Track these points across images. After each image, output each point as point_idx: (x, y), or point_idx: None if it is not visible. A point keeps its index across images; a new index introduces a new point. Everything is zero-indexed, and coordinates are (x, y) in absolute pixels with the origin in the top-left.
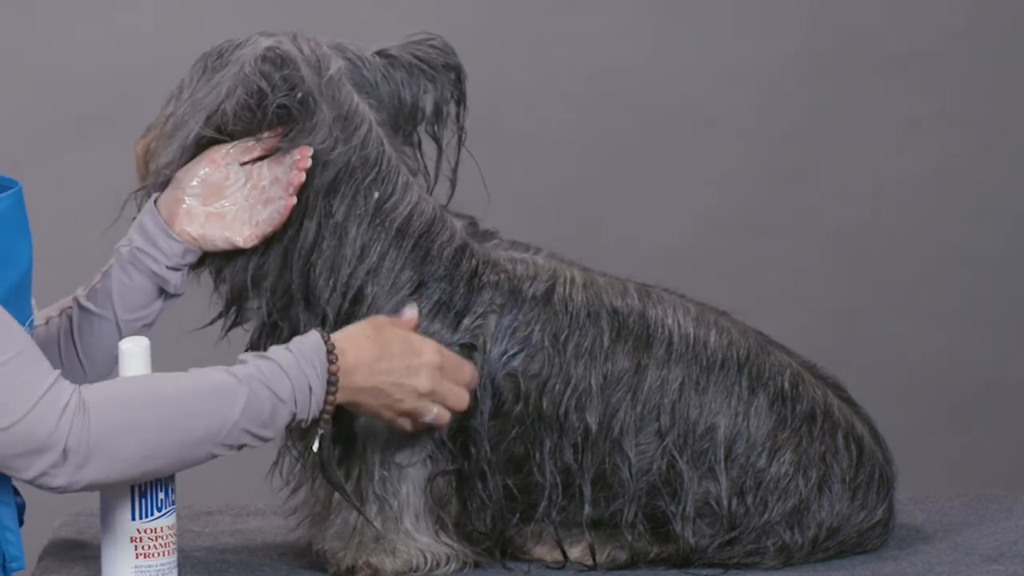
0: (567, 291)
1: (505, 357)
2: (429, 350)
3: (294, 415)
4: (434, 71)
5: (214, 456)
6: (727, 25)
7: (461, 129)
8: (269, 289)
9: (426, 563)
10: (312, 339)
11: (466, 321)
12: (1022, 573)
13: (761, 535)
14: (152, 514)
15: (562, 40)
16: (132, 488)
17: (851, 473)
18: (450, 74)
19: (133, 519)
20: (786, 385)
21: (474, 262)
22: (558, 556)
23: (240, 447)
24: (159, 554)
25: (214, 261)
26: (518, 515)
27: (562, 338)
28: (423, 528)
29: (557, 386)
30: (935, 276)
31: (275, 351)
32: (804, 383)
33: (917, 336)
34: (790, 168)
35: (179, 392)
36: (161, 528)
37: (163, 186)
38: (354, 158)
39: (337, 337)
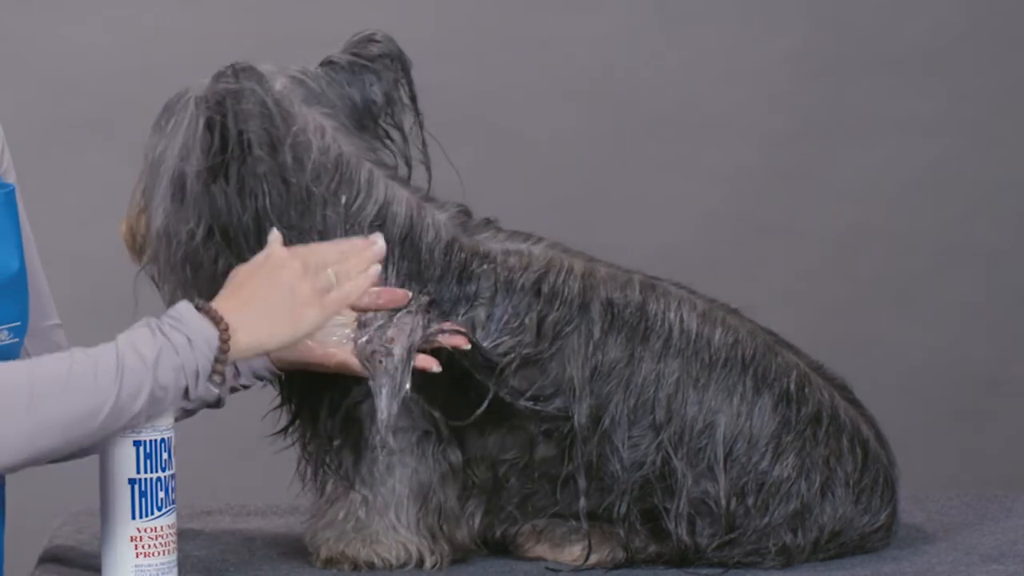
0: (560, 280)
1: (495, 348)
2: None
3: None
4: (374, 64)
5: (123, 426)
6: (727, 25)
7: (417, 112)
8: None
9: (409, 557)
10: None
11: (456, 315)
12: (1022, 573)
13: (762, 537)
14: (152, 513)
15: (562, 40)
16: (132, 487)
17: (855, 477)
18: (389, 62)
19: (133, 518)
20: (792, 387)
21: (463, 256)
22: (559, 556)
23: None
24: (159, 553)
25: None
26: (509, 506)
27: (549, 328)
28: (407, 522)
29: (539, 377)
30: (935, 276)
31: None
32: (811, 385)
33: (917, 336)
34: (790, 168)
35: (45, 374)
36: (161, 527)
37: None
38: (307, 177)
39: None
